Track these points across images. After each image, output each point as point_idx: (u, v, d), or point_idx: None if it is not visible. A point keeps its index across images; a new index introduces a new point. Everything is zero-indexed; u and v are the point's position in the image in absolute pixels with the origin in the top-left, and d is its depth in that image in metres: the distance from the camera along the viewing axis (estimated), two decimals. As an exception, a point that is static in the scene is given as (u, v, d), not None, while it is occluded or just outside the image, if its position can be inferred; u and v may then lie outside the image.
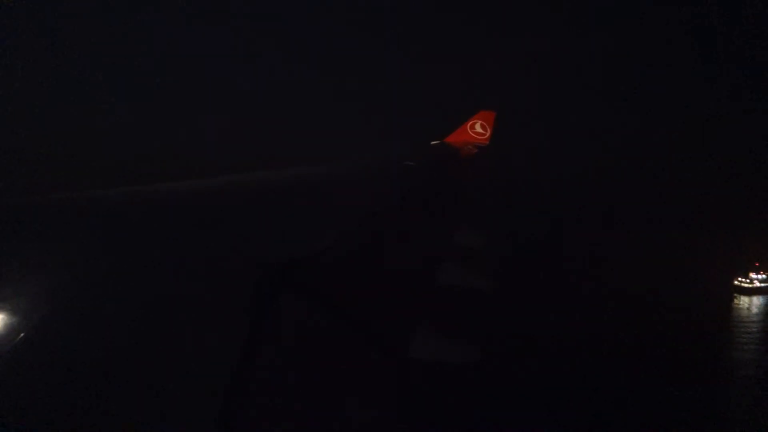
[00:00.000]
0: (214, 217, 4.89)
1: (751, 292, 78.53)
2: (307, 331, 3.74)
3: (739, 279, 79.73)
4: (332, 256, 4.81)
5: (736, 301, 77.50)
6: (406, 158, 12.05)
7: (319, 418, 3.04)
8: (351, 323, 4.12)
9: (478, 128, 19.68)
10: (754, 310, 75.17)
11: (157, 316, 3.12)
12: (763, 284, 78.60)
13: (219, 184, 6.44)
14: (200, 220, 4.71)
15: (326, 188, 7.52)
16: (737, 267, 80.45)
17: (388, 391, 3.67)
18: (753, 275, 79.53)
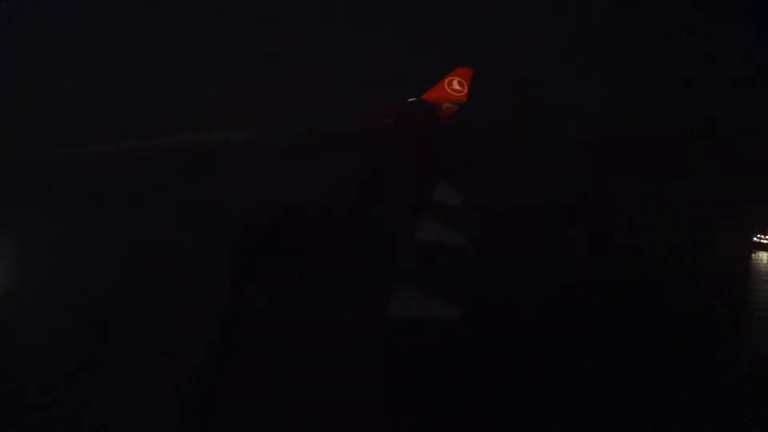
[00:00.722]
0: (189, 177, 4.72)
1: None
2: (288, 294, 3.69)
3: (759, 236, 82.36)
4: (308, 218, 4.72)
5: (755, 256, 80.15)
6: (384, 116, 11.87)
7: (303, 384, 3.01)
8: (329, 288, 4.08)
9: (455, 85, 19.48)
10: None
11: (134, 282, 3.01)
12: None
13: (195, 141, 6.23)
14: (174, 180, 4.54)
15: (300, 148, 7.34)
16: (757, 224, 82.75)
17: (371, 354, 3.67)
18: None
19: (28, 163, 4.66)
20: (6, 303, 2.68)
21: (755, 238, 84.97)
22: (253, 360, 2.88)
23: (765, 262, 79.65)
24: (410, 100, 17.65)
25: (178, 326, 2.91)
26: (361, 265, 4.58)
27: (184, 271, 3.36)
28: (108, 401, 2.37)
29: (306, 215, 4.79)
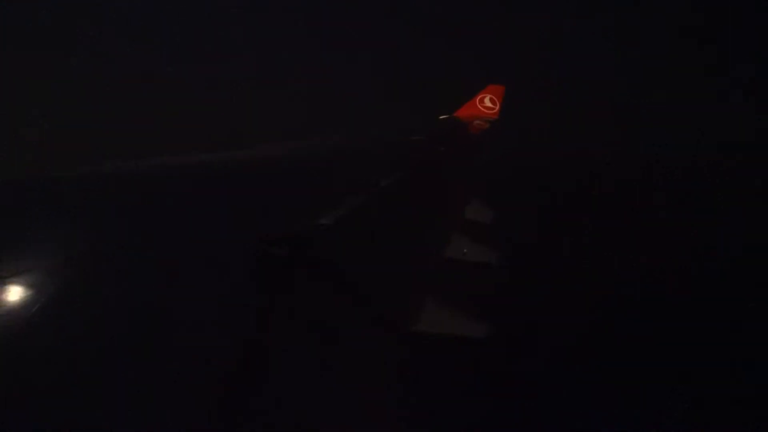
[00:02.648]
0: (213, 194, 4.82)
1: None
2: (312, 308, 3.70)
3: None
4: (338, 231, 4.75)
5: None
6: (414, 132, 11.90)
7: (323, 397, 3.01)
8: (357, 300, 4.08)
9: (487, 102, 19.42)
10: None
11: (159, 301, 3.07)
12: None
13: (218, 158, 6.37)
14: (198, 197, 4.64)
15: (333, 162, 7.43)
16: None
17: (394, 369, 3.63)
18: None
19: (62, 179, 4.86)
20: (49, 309, 2.78)
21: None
22: (274, 380, 2.89)
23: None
24: (442, 117, 17.67)
25: (209, 336, 2.96)
26: (390, 279, 4.58)
27: (215, 281, 3.43)
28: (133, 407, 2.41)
29: (336, 228, 4.82)
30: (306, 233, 4.33)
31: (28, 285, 2.84)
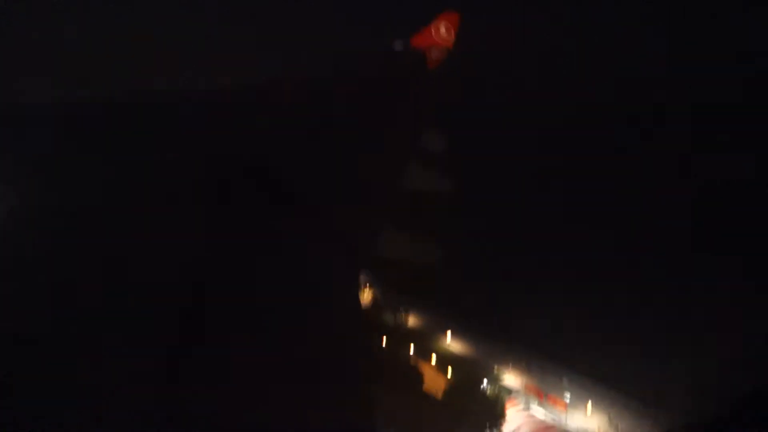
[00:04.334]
0: (175, 112, 4.72)
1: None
2: (272, 227, 3.78)
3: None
4: (293, 154, 4.76)
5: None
6: (368, 60, 11.68)
7: (280, 308, 3.13)
8: (314, 221, 4.16)
9: (442, 30, 19.04)
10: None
11: (118, 215, 3.08)
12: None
13: (179, 85, 6.16)
14: (159, 115, 4.54)
15: (283, 95, 7.28)
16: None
17: (349, 288, 3.78)
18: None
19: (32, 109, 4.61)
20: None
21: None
22: (232, 290, 2.97)
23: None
24: (396, 45, 17.27)
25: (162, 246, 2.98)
26: (346, 203, 4.67)
27: (161, 202, 3.40)
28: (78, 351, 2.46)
29: (287, 160, 4.82)
30: (260, 154, 4.33)
31: None
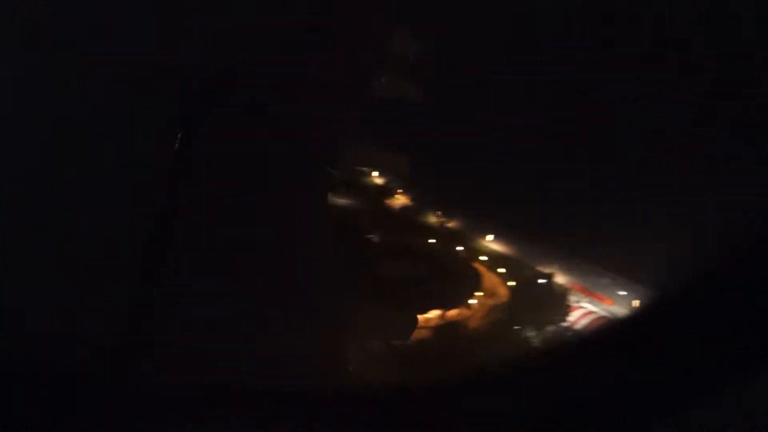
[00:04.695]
0: (129, 19, 4.46)
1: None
2: (239, 144, 3.75)
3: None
4: (264, 66, 4.61)
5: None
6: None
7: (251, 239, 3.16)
8: (283, 134, 4.12)
9: None
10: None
11: (74, 132, 3.01)
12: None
13: None
14: (114, 21, 4.29)
15: None
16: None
17: (319, 202, 3.82)
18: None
19: None
20: None
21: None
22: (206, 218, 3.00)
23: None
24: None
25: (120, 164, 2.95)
26: (312, 117, 4.59)
27: (125, 120, 3.32)
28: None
29: (261, 63, 4.65)
30: (231, 68, 4.19)
31: None
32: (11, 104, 3.19)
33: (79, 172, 2.86)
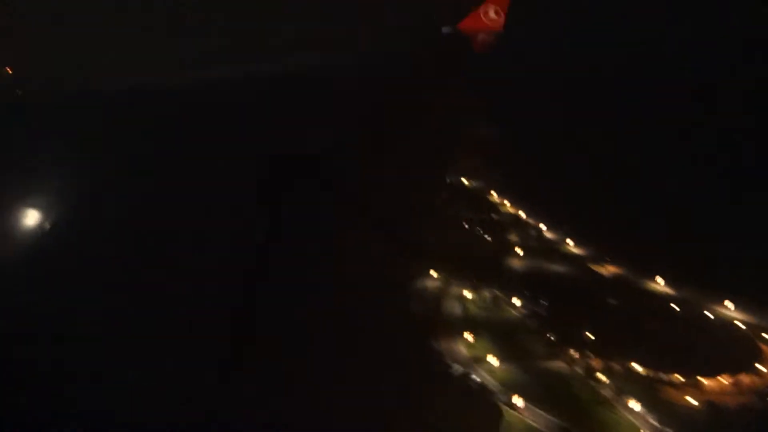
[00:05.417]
0: (221, 111, 4.78)
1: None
2: (320, 221, 3.79)
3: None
4: (346, 149, 4.76)
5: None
6: (418, 46, 11.54)
7: (329, 306, 3.13)
8: (366, 218, 4.14)
9: (491, 14, 18.60)
10: None
11: (168, 213, 3.14)
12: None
13: (222, 75, 6.23)
14: (207, 115, 4.60)
15: (335, 79, 7.27)
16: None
17: (400, 278, 3.76)
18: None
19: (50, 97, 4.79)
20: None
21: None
22: (284, 289, 3.01)
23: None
24: (444, 29, 17.00)
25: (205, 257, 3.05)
26: (396, 197, 4.64)
27: (215, 197, 3.47)
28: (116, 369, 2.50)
29: (345, 147, 4.82)
30: (315, 151, 4.35)
31: (35, 207, 2.90)
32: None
33: (186, 247, 2.98)
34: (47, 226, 2.55)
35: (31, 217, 2.55)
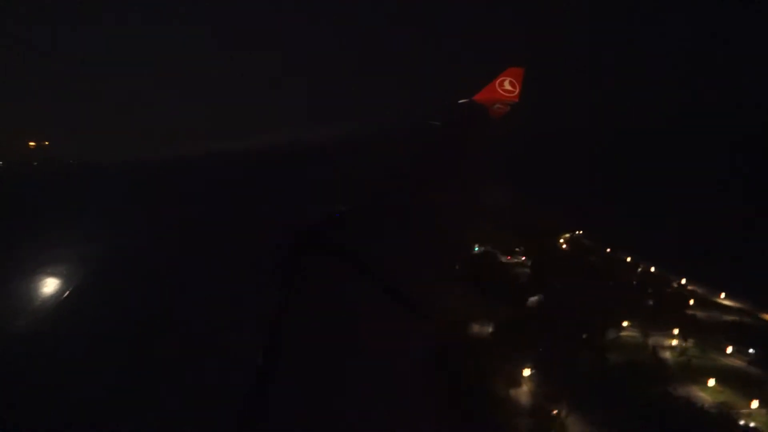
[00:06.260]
0: (238, 183, 4.86)
1: None
2: (337, 292, 3.72)
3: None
4: (360, 219, 4.75)
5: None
6: (432, 118, 11.81)
7: (351, 380, 3.02)
8: (379, 282, 4.09)
9: (507, 85, 19.09)
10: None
11: (189, 285, 3.12)
12: None
13: (240, 149, 6.41)
14: (225, 187, 4.68)
15: (352, 149, 7.41)
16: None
17: (421, 349, 3.65)
18: None
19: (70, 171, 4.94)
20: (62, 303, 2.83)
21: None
22: (303, 360, 2.91)
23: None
24: (461, 101, 17.45)
25: (226, 325, 3.00)
26: (407, 265, 4.58)
27: (232, 269, 3.46)
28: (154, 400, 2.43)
29: (358, 216, 4.82)
30: (328, 221, 4.35)
31: (52, 275, 2.89)
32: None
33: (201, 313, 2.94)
34: (65, 293, 2.55)
35: (50, 285, 2.56)
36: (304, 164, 6.18)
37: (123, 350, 2.60)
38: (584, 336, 48.67)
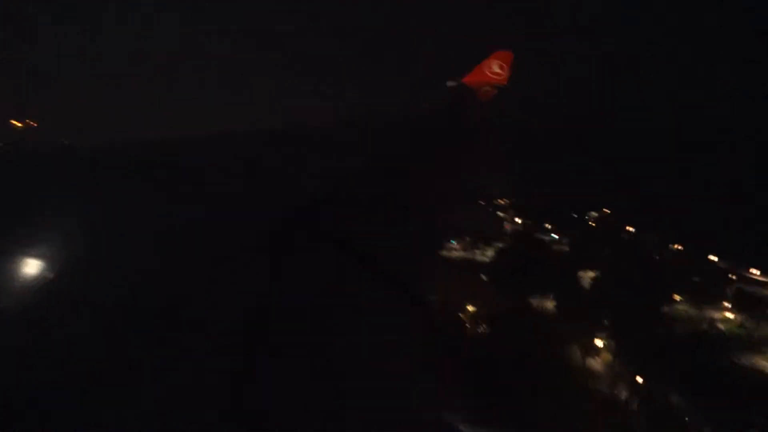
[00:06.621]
0: (226, 163, 4.79)
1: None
2: (326, 274, 3.70)
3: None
4: (350, 204, 4.72)
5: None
6: (420, 100, 11.74)
7: (342, 365, 3.01)
8: (367, 265, 4.07)
9: (495, 68, 19.02)
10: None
11: (174, 265, 3.06)
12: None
13: (229, 132, 6.32)
14: (211, 167, 4.61)
15: (339, 131, 7.35)
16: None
17: (411, 335, 3.64)
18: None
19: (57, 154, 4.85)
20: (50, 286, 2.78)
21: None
22: (291, 345, 2.89)
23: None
24: (449, 84, 17.37)
25: (215, 306, 2.97)
26: (406, 252, 4.56)
27: (224, 252, 3.42)
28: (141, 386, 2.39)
29: (349, 201, 4.78)
30: (317, 207, 4.30)
31: (40, 257, 2.84)
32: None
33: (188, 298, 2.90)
34: (51, 275, 2.52)
35: (34, 267, 2.52)
36: (292, 147, 6.11)
37: (99, 343, 2.54)
38: (644, 308, 49.53)
